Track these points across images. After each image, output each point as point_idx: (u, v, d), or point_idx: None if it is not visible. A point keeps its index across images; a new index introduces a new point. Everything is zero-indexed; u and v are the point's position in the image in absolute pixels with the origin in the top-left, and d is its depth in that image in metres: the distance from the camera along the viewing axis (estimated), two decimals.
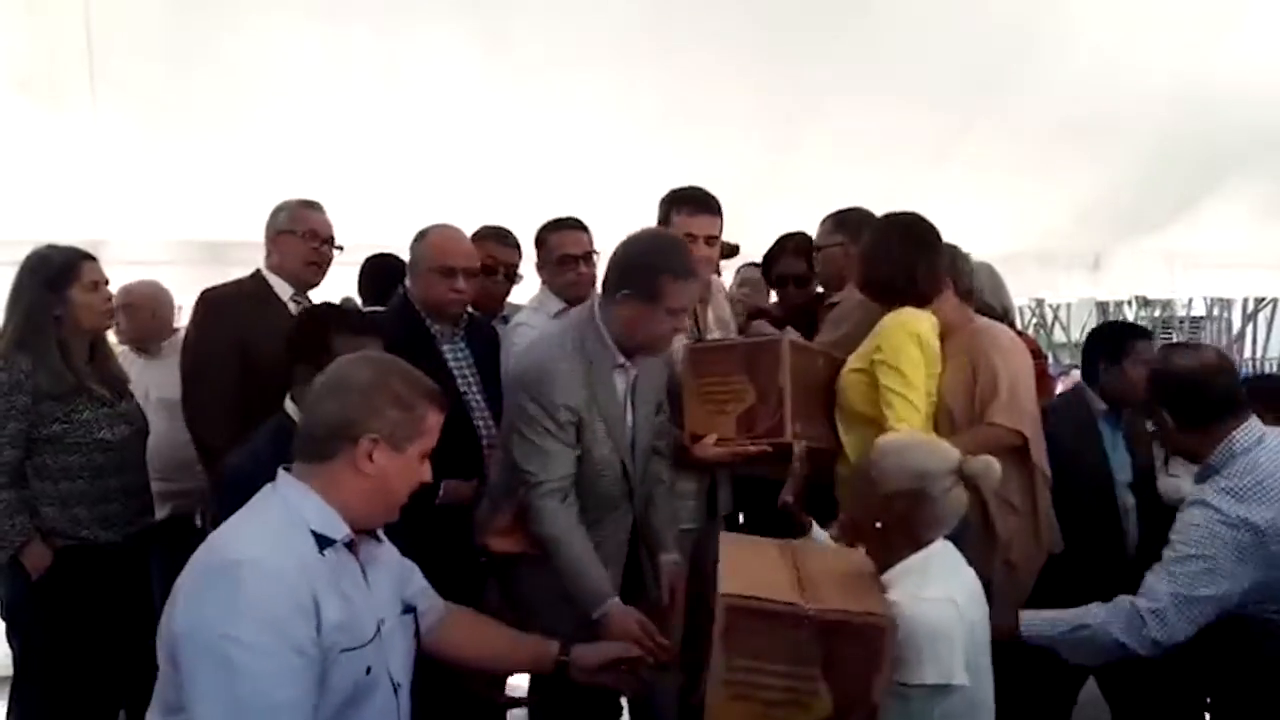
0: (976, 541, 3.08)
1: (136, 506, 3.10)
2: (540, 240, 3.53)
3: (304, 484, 1.77)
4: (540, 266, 3.54)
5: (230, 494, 2.23)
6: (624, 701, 3.33)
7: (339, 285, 4.22)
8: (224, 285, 3.28)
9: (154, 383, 3.64)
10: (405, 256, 3.43)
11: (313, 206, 3.34)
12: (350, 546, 1.81)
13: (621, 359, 2.70)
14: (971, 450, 3.05)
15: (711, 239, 3.16)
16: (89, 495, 2.96)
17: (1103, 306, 7.29)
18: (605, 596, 2.54)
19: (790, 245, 3.79)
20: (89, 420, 2.96)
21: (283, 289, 3.24)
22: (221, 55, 3.99)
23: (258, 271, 3.29)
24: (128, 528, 3.03)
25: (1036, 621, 2.55)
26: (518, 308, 3.78)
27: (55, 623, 2.87)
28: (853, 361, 2.95)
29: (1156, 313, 7.69)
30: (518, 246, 3.66)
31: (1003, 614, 3.15)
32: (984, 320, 3.26)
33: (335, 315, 2.61)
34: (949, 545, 2.18)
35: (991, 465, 2.16)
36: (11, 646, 2.99)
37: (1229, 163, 5.68)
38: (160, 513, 3.39)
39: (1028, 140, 5.22)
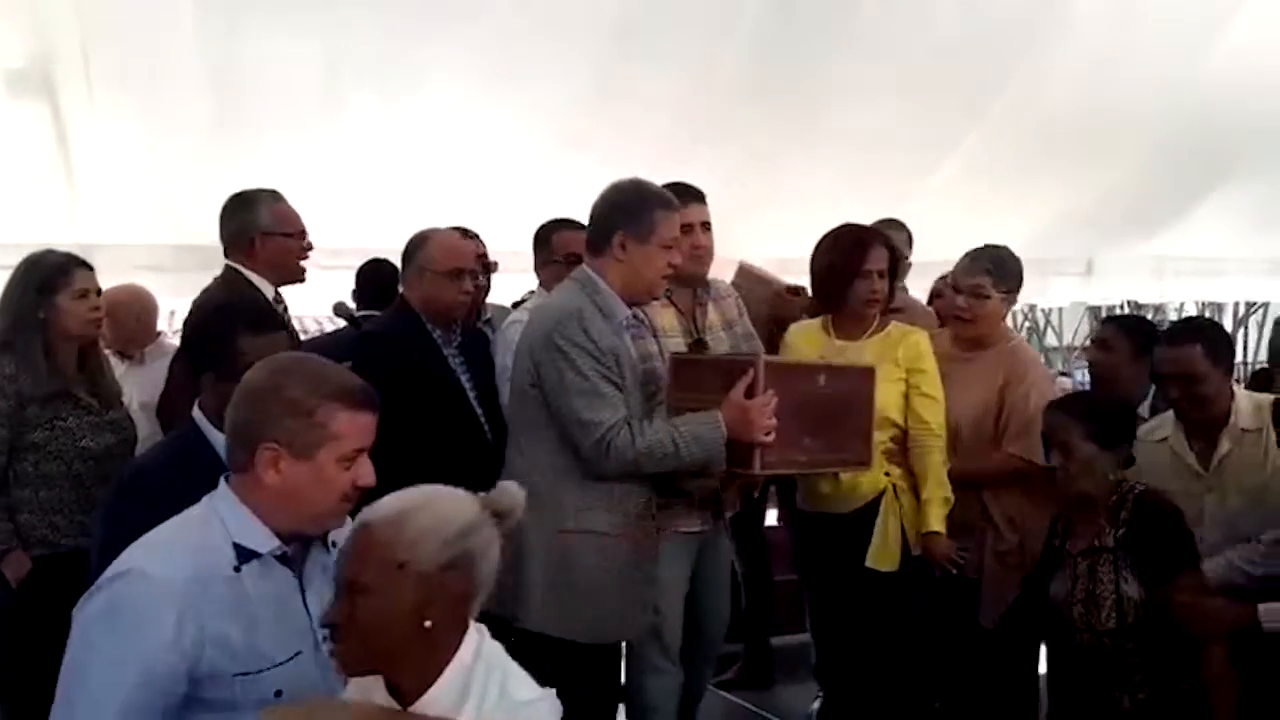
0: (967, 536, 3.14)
1: None
2: (543, 239, 3.51)
3: (234, 494, 1.73)
4: (541, 266, 3.51)
5: (118, 498, 2.23)
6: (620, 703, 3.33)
7: (333, 289, 4.21)
8: (215, 290, 3.14)
9: (137, 387, 3.58)
10: (395, 261, 3.39)
11: (281, 199, 3.22)
12: (287, 560, 1.76)
13: (628, 313, 2.73)
14: (997, 475, 3.12)
15: (706, 225, 3.18)
16: (69, 504, 2.93)
17: (1094, 311, 7.32)
18: (715, 417, 2.59)
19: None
20: (72, 428, 2.93)
21: (265, 289, 3.14)
22: (216, 59, 3.97)
23: (237, 272, 3.13)
24: None
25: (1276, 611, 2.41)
26: (500, 308, 3.77)
27: (34, 631, 2.83)
28: (890, 374, 3.00)
29: (1148, 317, 7.77)
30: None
31: (993, 608, 3.13)
32: (1019, 338, 3.32)
33: (237, 316, 2.41)
34: None
35: (515, 494, 1.65)
36: None
37: (1220, 168, 5.70)
38: None
39: (1020, 146, 5.23)
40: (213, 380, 2.23)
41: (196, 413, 2.26)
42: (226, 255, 3.18)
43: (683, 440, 2.58)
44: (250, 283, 3.11)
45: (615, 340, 2.63)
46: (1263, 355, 6.72)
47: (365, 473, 1.75)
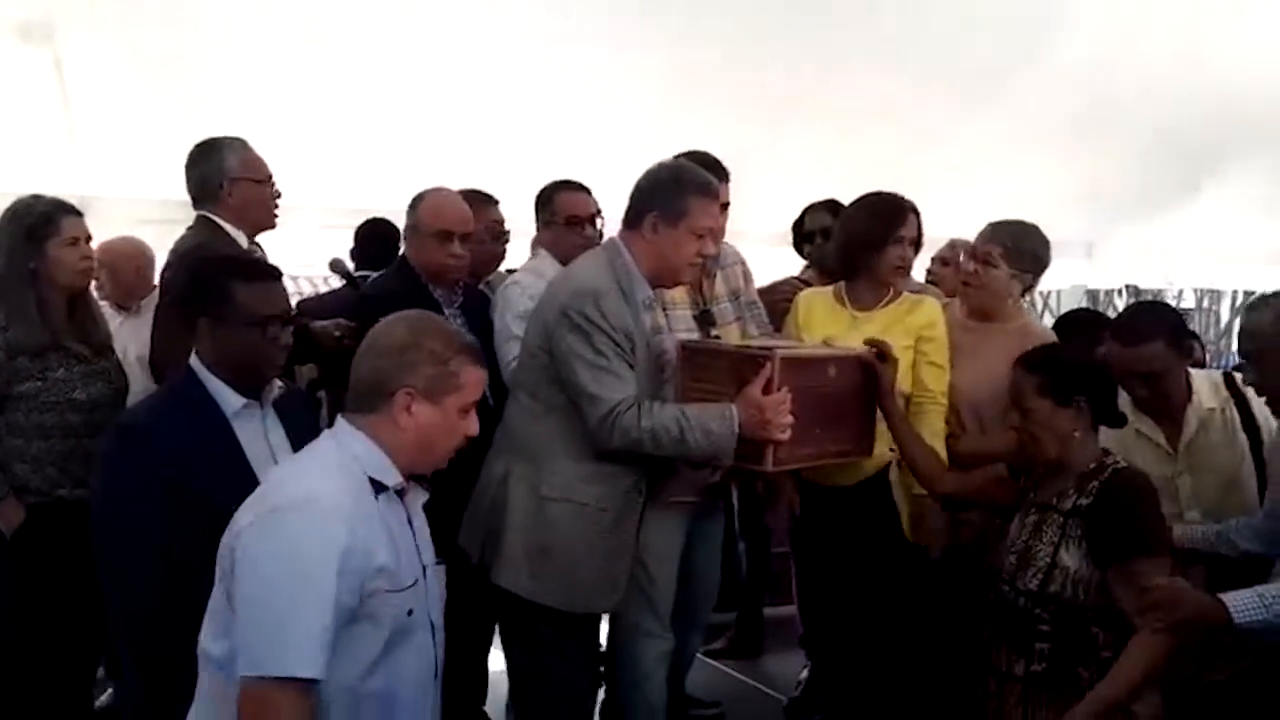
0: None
1: None
2: (545, 201, 3.48)
3: (360, 432, 1.87)
4: (543, 227, 3.48)
5: (118, 446, 2.24)
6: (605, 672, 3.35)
7: (332, 248, 4.20)
8: (191, 241, 3.06)
9: (134, 340, 3.56)
10: (397, 220, 3.38)
11: (248, 145, 3.16)
12: (400, 494, 1.92)
13: (650, 294, 2.70)
14: (1003, 456, 2.87)
15: (725, 205, 3.12)
16: (62, 454, 2.92)
17: (1093, 295, 7.31)
18: (729, 411, 2.54)
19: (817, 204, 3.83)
20: (63, 379, 2.91)
21: (239, 238, 3.09)
22: (215, 12, 3.94)
23: (210, 221, 3.07)
24: None
25: (1247, 606, 2.10)
26: (498, 274, 3.76)
27: (29, 580, 2.85)
28: (900, 343, 2.95)
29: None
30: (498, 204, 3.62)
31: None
32: (1031, 318, 3.26)
33: (231, 264, 2.48)
34: None
35: None
36: None
37: (1224, 154, 5.69)
38: None
39: (1024, 125, 5.22)
40: (209, 326, 2.24)
41: (194, 360, 2.27)
42: (196, 205, 3.12)
43: (690, 429, 2.54)
44: (225, 232, 3.06)
45: (630, 322, 2.61)
46: None
47: (473, 424, 1.95)
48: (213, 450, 2.17)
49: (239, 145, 3.12)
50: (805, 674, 4.08)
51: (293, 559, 1.70)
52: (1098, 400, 2.46)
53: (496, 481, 2.68)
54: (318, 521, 1.73)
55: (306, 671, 1.68)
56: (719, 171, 3.09)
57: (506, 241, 3.63)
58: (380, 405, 1.87)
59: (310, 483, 1.79)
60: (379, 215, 4.21)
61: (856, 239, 3.11)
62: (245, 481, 1.99)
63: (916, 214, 3.14)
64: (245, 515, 1.78)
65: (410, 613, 1.86)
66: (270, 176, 3.17)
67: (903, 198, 3.18)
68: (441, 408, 1.89)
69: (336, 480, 1.81)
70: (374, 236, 4.14)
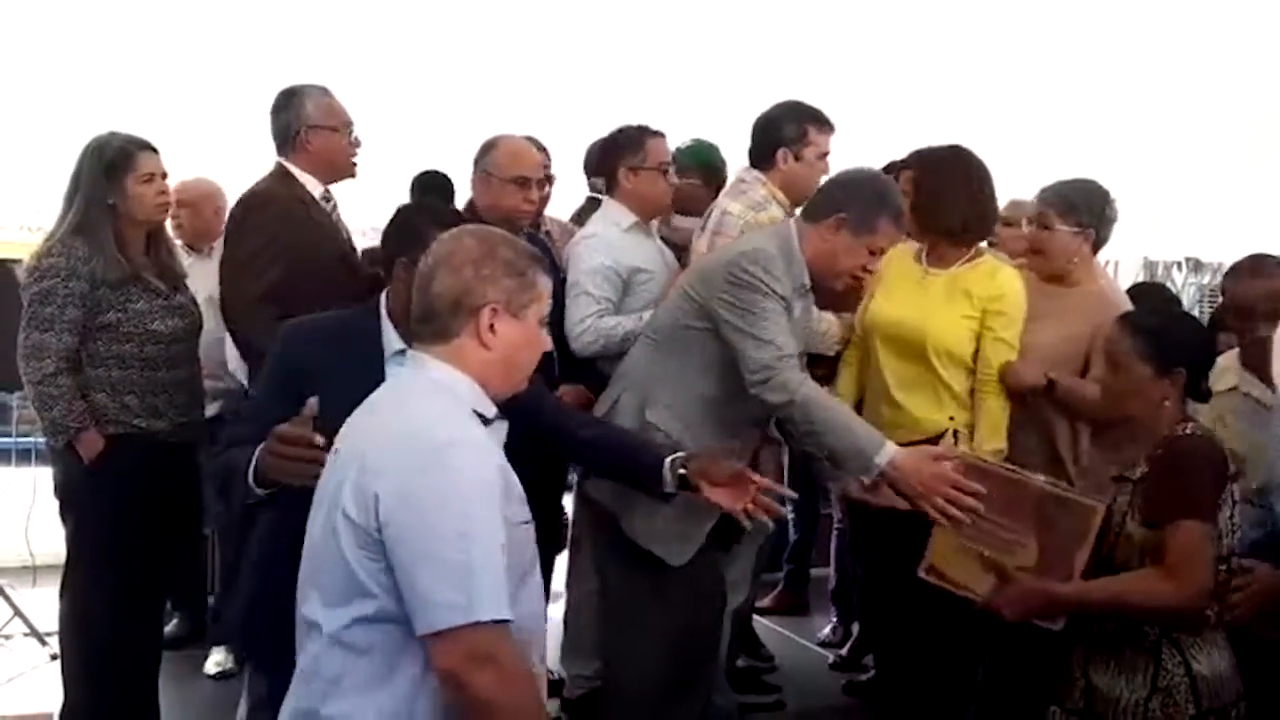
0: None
1: (186, 399, 3.14)
2: (634, 145, 3.40)
3: (447, 364, 1.76)
4: (630, 173, 3.38)
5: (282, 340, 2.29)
6: None
7: (387, 200, 4.24)
8: (261, 187, 3.14)
9: (204, 281, 3.62)
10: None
11: (328, 92, 3.18)
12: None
13: (807, 282, 2.71)
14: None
15: (824, 154, 3.25)
16: (140, 385, 3.01)
17: (1151, 268, 7.18)
18: (884, 444, 2.47)
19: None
20: (143, 311, 2.99)
21: (313, 187, 3.13)
22: None
23: (285, 169, 3.12)
24: (178, 419, 3.08)
25: None
26: (556, 220, 3.85)
27: (106, 507, 2.94)
28: (961, 309, 2.95)
29: (1205, 279, 7.43)
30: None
31: None
32: (1109, 280, 3.20)
33: (429, 211, 2.48)
34: None
35: None
36: (65, 527, 3.06)
37: None
38: (209, 410, 3.43)
39: (1089, 93, 5.14)
40: (402, 269, 2.21)
41: (382, 296, 2.30)
42: (278, 153, 3.17)
43: (841, 423, 2.53)
44: (297, 180, 3.10)
45: (791, 293, 2.63)
46: None
47: (547, 339, 1.89)
48: (343, 370, 2.10)
49: (318, 93, 3.17)
50: (827, 630, 4.29)
51: (477, 507, 1.63)
52: (1195, 375, 2.40)
53: (608, 404, 2.76)
54: (474, 464, 1.66)
55: (502, 613, 1.61)
56: (823, 121, 3.17)
57: (550, 185, 3.66)
58: (461, 327, 1.75)
59: (446, 422, 1.69)
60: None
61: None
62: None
63: (917, 169, 3.10)
64: (383, 464, 1.66)
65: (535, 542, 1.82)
66: (348, 124, 3.20)
67: (914, 153, 3.18)
68: (524, 321, 1.79)
69: (457, 415, 1.72)
70: (428, 188, 4.18)
